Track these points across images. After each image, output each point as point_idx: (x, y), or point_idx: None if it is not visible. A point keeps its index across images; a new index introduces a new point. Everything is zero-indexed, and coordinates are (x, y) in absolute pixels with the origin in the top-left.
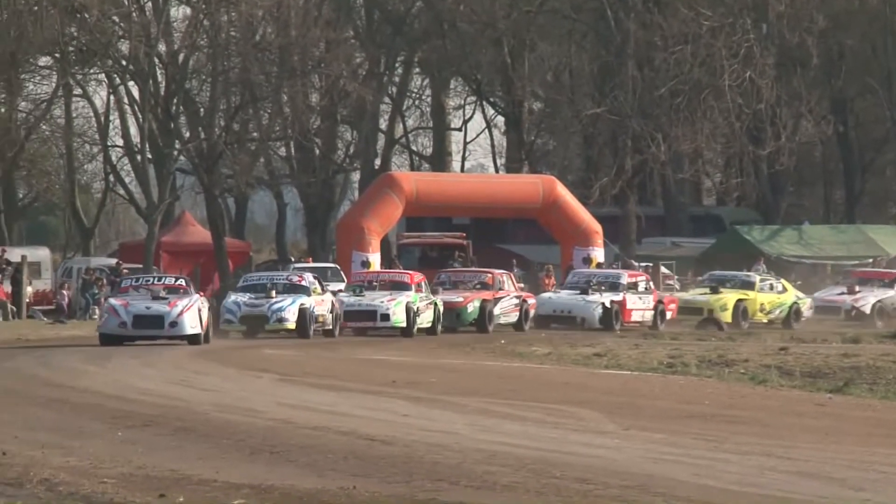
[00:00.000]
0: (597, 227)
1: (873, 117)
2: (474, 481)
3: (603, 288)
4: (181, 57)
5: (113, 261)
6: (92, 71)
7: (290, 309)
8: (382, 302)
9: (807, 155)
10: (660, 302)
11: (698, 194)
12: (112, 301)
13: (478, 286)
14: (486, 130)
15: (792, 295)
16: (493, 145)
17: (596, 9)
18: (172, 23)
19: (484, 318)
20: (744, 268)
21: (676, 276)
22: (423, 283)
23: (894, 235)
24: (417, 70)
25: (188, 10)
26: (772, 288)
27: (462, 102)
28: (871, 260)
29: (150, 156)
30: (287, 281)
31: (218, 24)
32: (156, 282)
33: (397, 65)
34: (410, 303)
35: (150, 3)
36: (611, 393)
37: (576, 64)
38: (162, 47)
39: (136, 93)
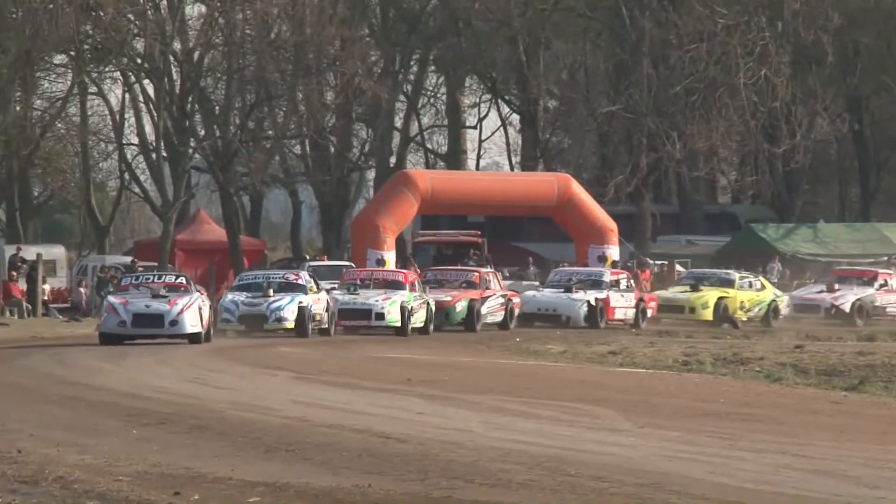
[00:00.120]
0: (612, 225)
1: (888, 115)
2: (489, 479)
3: (586, 286)
4: (196, 55)
5: (128, 259)
6: (107, 69)
7: (288, 308)
8: (377, 301)
9: (822, 153)
10: (641, 300)
11: (713, 192)
12: (111, 299)
13: (464, 285)
14: (502, 128)
15: (770, 293)
16: (508, 143)
17: (611, 7)
18: (187, 21)
19: (472, 317)
20: (759, 266)
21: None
22: (416, 283)
23: None
24: (433, 68)
25: (203, 8)
26: (751, 286)
27: (477, 100)
28: (885, 258)
29: (165, 154)
30: (283, 279)
31: (233, 21)
32: (156, 280)
33: (412, 63)
34: (405, 302)
35: (165, 1)
36: (626, 391)
37: (591, 62)
38: (177, 45)
39: (151, 91)
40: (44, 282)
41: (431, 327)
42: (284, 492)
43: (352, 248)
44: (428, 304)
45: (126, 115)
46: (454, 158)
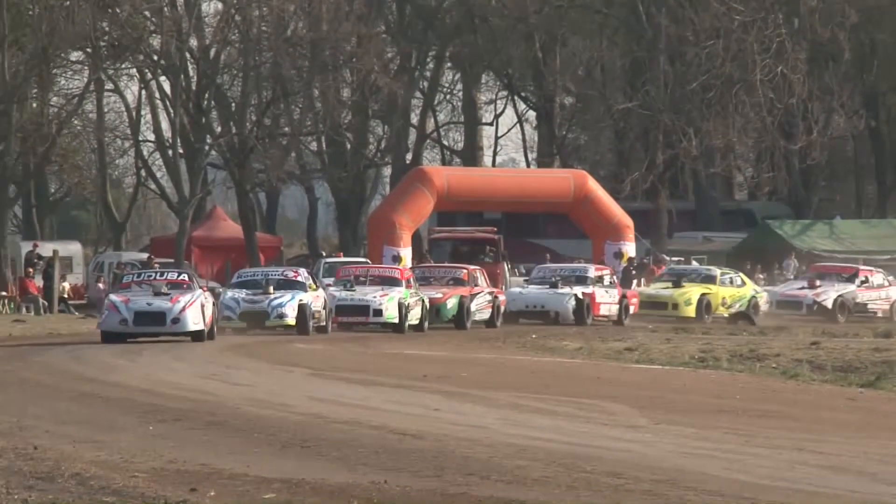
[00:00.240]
0: (628, 221)
1: None
2: (505, 476)
3: (571, 282)
4: (212, 52)
5: (144, 255)
6: (123, 66)
7: (290, 305)
8: (375, 297)
9: (838, 149)
10: (623, 296)
11: (730, 189)
12: (112, 297)
13: (450, 282)
14: (518, 125)
15: (750, 289)
16: (524, 140)
17: (627, 3)
18: (204, 17)
19: (462, 314)
20: (775, 263)
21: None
22: (412, 279)
23: None
24: (449, 65)
25: (220, 5)
26: (731, 282)
27: (493, 97)
28: None
29: (181, 150)
30: (282, 276)
31: (249, 18)
32: (158, 277)
33: (429, 59)
34: (402, 299)
35: None
36: (642, 387)
37: (607, 58)
38: (193, 42)
39: (167, 88)
40: (63, 279)
41: (426, 324)
42: (300, 488)
43: (368, 245)
44: (423, 300)
45: (142, 112)
46: (470, 155)
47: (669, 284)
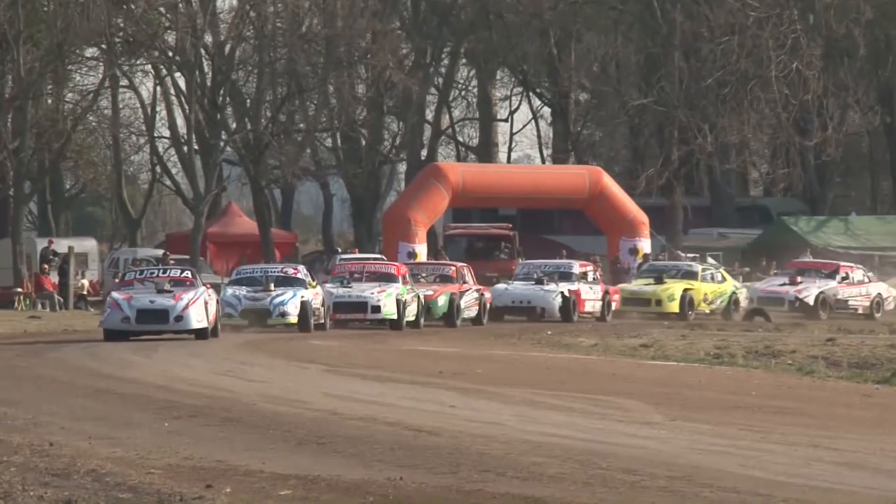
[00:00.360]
0: (643, 217)
1: None
2: (521, 472)
3: (556, 278)
4: (227, 48)
5: (160, 252)
6: (138, 62)
7: (291, 302)
8: (373, 294)
9: (853, 145)
10: (606, 293)
11: (745, 185)
12: (115, 295)
13: (439, 279)
14: (533, 121)
15: (730, 285)
16: (539, 136)
17: None
18: (219, 14)
19: (452, 311)
20: (791, 259)
21: (723, 268)
22: (407, 276)
23: None
24: (464, 61)
25: (234, 1)
26: (713, 278)
27: (508, 93)
28: None
29: (196, 147)
30: (282, 274)
31: (264, 15)
32: (161, 274)
33: (443, 56)
34: (399, 295)
35: None
36: (657, 384)
37: (622, 55)
38: (208, 38)
39: (182, 84)
40: (82, 276)
41: (422, 321)
42: (316, 485)
43: (383, 241)
44: (419, 297)
45: (157, 108)
46: (485, 151)
47: (651, 280)
